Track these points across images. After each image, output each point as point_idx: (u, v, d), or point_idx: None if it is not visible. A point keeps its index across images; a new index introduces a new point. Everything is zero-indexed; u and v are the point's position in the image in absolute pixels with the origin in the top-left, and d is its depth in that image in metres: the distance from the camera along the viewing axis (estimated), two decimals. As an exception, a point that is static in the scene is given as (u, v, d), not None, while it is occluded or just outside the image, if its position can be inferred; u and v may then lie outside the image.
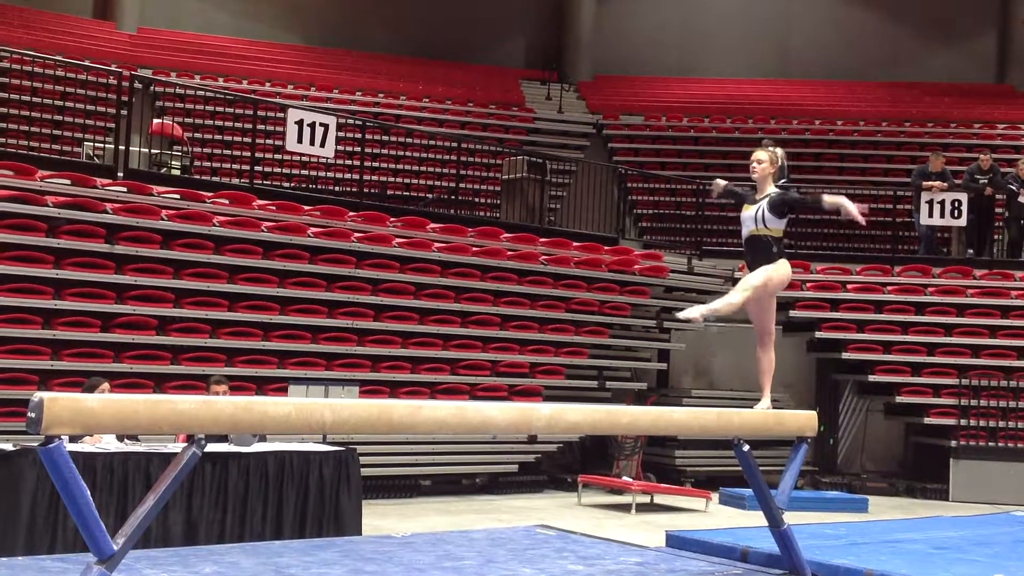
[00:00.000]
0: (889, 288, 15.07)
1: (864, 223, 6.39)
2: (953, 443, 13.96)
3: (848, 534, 7.46)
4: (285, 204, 11.63)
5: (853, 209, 6.10)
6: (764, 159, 6.37)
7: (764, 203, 6.26)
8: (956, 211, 15.17)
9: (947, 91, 21.48)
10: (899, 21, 22.33)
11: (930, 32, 22.29)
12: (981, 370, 14.25)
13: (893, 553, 6.57)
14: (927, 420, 14.25)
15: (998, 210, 16.17)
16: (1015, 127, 19.65)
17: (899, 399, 14.42)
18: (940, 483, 13.99)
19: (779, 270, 6.26)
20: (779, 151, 6.49)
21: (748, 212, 6.32)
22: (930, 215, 15.28)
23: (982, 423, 13.91)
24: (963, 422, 13.96)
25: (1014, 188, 15.46)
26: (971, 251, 15.92)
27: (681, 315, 6.00)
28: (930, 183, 15.36)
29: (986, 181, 15.64)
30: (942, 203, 15.17)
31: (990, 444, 13.85)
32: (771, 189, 6.34)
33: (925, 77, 21.85)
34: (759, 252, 6.28)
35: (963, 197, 15.18)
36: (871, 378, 14.57)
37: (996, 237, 16.34)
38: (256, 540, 7.03)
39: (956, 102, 20.81)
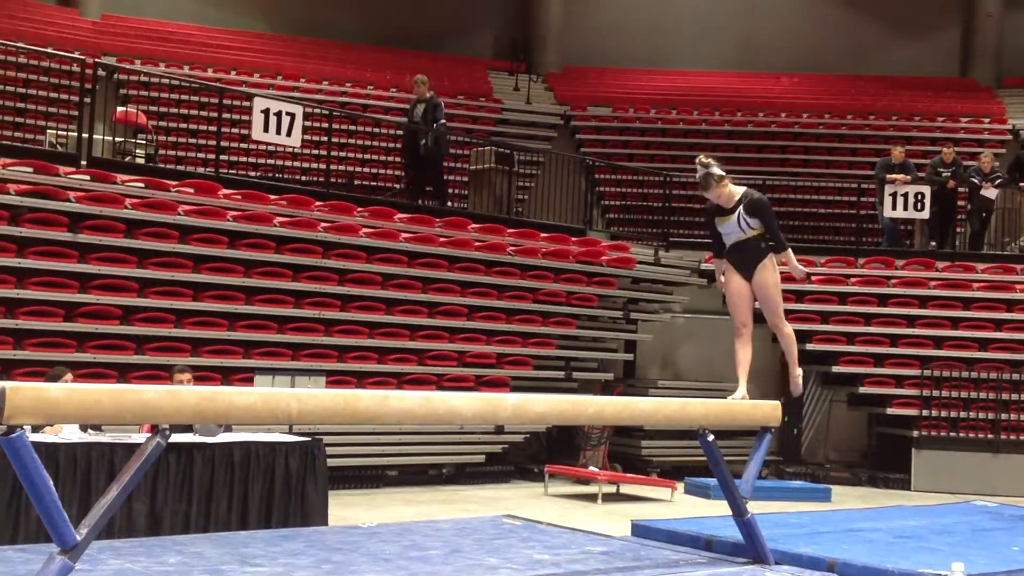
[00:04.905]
0: (853, 280, 15.19)
1: (803, 278, 6.91)
2: (915, 433, 14.12)
3: (811, 523, 7.52)
4: (251, 193, 11.57)
5: (796, 268, 6.74)
6: (717, 188, 6.28)
7: (741, 210, 6.33)
8: (919, 204, 15.31)
9: (911, 84, 21.65)
10: (864, 14, 22.49)
11: (895, 25, 22.46)
12: (943, 361, 14.41)
13: (855, 542, 6.65)
14: (890, 410, 14.40)
15: (961, 203, 16.34)
16: (978, 120, 19.85)
17: (862, 390, 14.57)
18: (902, 473, 14.14)
19: (771, 274, 6.48)
20: (713, 166, 6.29)
21: (729, 222, 6.38)
22: (894, 208, 15.43)
23: (944, 413, 14.08)
24: (925, 412, 14.12)
25: (976, 181, 15.62)
26: (934, 243, 16.07)
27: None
28: (894, 176, 15.49)
29: (949, 174, 15.78)
30: (905, 196, 15.32)
31: (951, 434, 14.02)
32: (740, 193, 6.37)
33: (889, 70, 22.00)
34: (748, 253, 6.44)
35: (926, 190, 15.32)
36: (835, 369, 14.71)
37: (959, 230, 16.53)
38: (221, 531, 7.00)
39: (920, 95, 20.99)
